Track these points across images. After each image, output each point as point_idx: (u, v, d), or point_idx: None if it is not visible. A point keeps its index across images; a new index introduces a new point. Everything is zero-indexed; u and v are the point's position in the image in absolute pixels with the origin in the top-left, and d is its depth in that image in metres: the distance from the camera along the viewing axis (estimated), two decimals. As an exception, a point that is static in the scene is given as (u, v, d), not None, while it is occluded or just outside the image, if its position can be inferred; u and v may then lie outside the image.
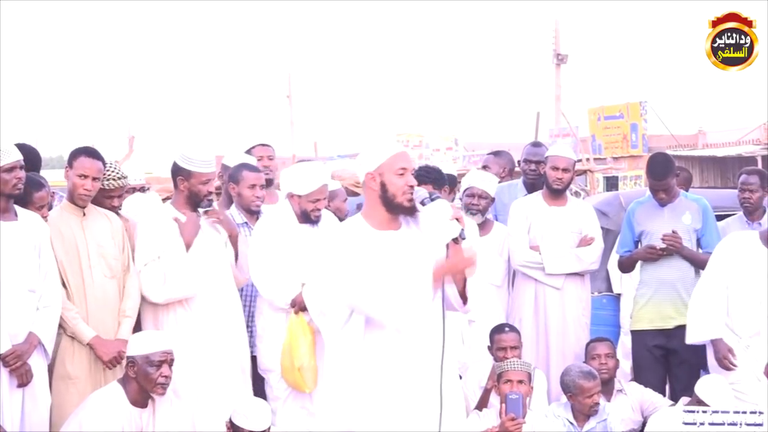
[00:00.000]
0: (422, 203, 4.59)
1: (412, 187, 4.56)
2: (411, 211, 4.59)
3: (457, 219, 4.48)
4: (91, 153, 5.95)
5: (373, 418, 4.50)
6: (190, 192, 6.06)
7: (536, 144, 7.85)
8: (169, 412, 5.56)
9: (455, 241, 4.49)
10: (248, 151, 7.28)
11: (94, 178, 5.89)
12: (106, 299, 5.87)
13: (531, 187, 7.55)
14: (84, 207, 5.94)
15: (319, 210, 6.26)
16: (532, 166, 7.57)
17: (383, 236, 4.58)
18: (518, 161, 8.02)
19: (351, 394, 4.53)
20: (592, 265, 6.99)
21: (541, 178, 7.44)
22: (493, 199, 7.08)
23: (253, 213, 6.67)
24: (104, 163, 6.02)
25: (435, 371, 4.52)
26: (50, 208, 6.22)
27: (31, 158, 6.71)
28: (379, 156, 4.56)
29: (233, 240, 6.25)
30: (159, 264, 5.97)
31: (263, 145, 7.32)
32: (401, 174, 4.54)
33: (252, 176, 6.66)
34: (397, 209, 4.57)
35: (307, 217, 6.25)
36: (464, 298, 4.60)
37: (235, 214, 6.68)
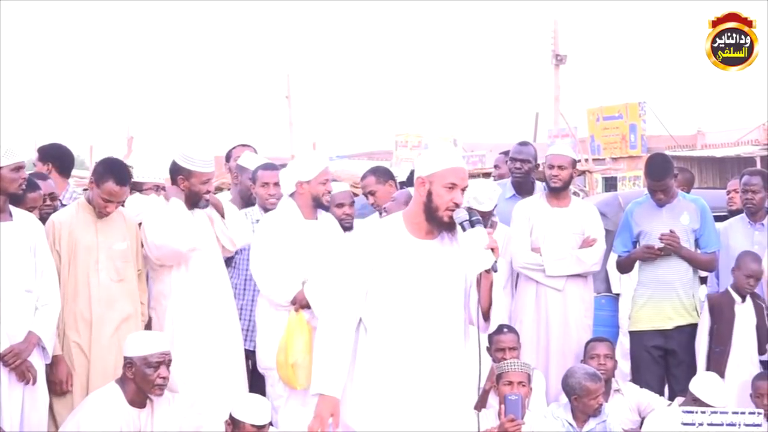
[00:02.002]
0: (462, 226, 4.51)
1: (457, 204, 4.47)
2: (449, 227, 4.52)
3: (492, 249, 4.44)
4: (120, 179, 5.85)
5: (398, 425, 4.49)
6: (190, 191, 6.06)
7: (523, 143, 7.81)
8: (167, 412, 5.56)
9: (486, 271, 4.47)
10: (228, 153, 7.49)
11: (118, 202, 5.94)
12: (110, 301, 5.86)
13: (518, 186, 7.57)
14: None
15: (329, 192, 6.31)
16: (518, 164, 7.57)
17: (418, 245, 4.51)
18: (506, 161, 8.03)
19: (376, 399, 4.51)
20: (594, 267, 6.96)
21: (527, 176, 7.52)
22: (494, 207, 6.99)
23: (269, 211, 6.70)
24: (130, 184, 6.04)
25: (472, 390, 4.55)
26: (54, 209, 6.23)
27: (66, 159, 6.77)
28: (434, 164, 4.48)
29: (220, 210, 6.24)
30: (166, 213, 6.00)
31: (243, 145, 7.55)
32: (450, 188, 4.45)
33: (265, 174, 6.77)
34: (435, 222, 4.49)
35: (319, 203, 6.28)
36: (486, 317, 4.57)
37: (255, 211, 6.78)
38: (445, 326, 4.51)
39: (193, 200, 6.09)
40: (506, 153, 8.46)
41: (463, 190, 4.50)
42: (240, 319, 6.43)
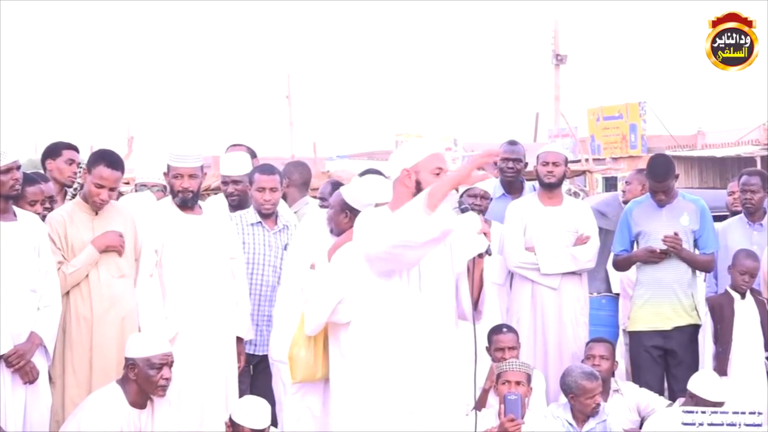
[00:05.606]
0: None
1: None
2: None
3: (484, 234, 4.45)
4: (111, 163, 5.87)
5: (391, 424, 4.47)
6: (169, 185, 6.05)
7: (512, 142, 7.83)
8: (168, 413, 5.55)
9: (480, 255, 4.47)
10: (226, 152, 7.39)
11: (111, 188, 5.85)
12: (112, 298, 5.84)
13: (508, 186, 7.58)
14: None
15: None
16: (510, 164, 7.57)
17: None
18: (495, 161, 8.04)
19: (370, 395, 4.51)
20: (588, 264, 6.95)
21: (518, 175, 7.55)
22: (491, 199, 7.08)
23: (264, 215, 6.66)
24: (123, 171, 5.99)
25: (468, 385, 4.54)
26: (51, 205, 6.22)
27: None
28: (417, 153, 4.52)
29: None
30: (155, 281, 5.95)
31: (235, 145, 7.51)
32: (437, 174, 4.48)
33: (261, 179, 6.63)
34: None
35: None
36: (476, 306, 4.58)
37: (251, 213, 6.70)
38: (437, 320, 4.51)
39: (173, 195, 6.04)
40: None
41: None
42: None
